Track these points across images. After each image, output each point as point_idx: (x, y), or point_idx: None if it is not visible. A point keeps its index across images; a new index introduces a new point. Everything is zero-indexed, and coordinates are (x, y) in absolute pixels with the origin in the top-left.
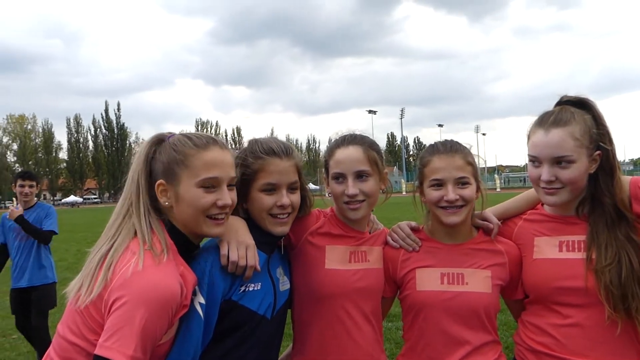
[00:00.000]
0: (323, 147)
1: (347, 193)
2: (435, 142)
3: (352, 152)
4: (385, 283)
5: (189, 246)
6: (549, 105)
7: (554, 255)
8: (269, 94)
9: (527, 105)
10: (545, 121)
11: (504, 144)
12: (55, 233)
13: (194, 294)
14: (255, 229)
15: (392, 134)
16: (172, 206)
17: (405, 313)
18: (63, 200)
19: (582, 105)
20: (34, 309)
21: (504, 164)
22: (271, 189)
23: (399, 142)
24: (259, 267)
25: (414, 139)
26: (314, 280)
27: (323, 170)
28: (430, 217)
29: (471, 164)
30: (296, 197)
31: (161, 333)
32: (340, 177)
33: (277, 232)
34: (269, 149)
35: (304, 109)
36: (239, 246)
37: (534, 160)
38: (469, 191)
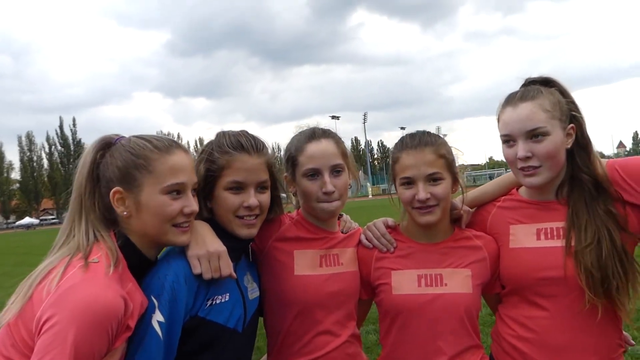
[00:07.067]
0: None
1: (325, 190)
2: (404, 136)
3: (326, 146)
4: (360, 285)
5: (141, 262)
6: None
7: (531, 244)
8: (230, 104)
9: (481, 106)
10: (512, 98)
11: (463, 144)
12: None
13: (152, 311)
14: (221, 232)
15: (356, 139)
16: (131, 216)
17: (381, 318)
18: (17, 223)
19: (547, 82)
20: None
21: (465, 164)
22: (238, 187)
23: (363, 146)
24: (234, 274)
25: (378, 142)
26: (284, 288)
27: (285, 168)
28: (406, 215)
29: (444, 156)
30: (265, 198)
31: (99, 354)
32: (315, 174)
33: (243, 234)
34: (237, 144)
35: (266, 118)
36: (211, 258)
37: (507, 139)
38: (442, 188)
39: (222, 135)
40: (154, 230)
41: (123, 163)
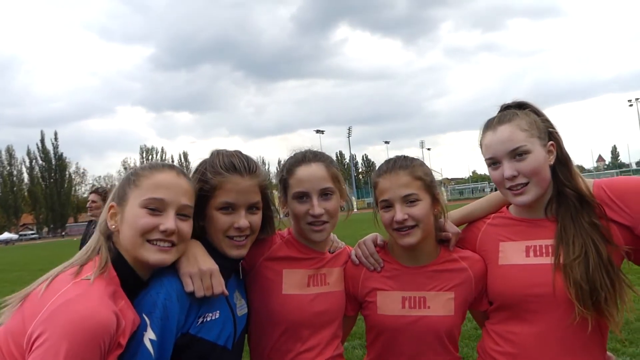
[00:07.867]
0: (273, 169)
1: (313, 213)
2: (382, 162)
3: (315, 170)
4: (347, 301)
5: (134, 280)
6: (485, 118)
7: (520, 261)
8: (213, 119)
9: (464, 121)
10: (491, 123)
11: (446, 158)
12: None
13: (144, 329)
14: (212, 251)
15: (340, 153)
16: (118, 230)
17: (367, 329)
18: None
19: (520, 106)
20: None
21: (449, 177)
22: (228, 208)
23: (347, 160)
24: (226, 292)
25: (362, 156)
26: (271, 306)
27: (278, 189)
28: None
29: (420, 178)
30: (256, 219)
31: None
32: (303, 197)
33: (232, 255)
34: (230, 165)
35: (251, 132)
36: (204, 277)
37: (492, 161)
38: (419, 209)
39: (215, 155)
40: (129, 242)
41: (122, 183)
